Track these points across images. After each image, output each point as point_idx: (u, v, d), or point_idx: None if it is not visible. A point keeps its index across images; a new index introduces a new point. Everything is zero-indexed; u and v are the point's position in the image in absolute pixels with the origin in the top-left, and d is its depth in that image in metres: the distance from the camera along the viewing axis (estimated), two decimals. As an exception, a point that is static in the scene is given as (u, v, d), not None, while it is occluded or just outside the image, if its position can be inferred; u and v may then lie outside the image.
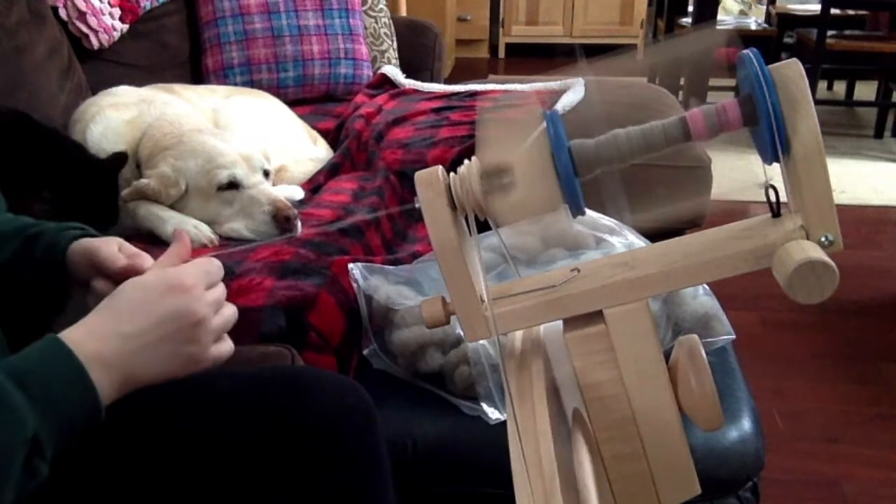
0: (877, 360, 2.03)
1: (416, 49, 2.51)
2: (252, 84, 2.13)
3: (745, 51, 0.64)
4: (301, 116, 1.93)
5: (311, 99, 2.22)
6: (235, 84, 2.12)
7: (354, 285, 1.20)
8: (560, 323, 0.70)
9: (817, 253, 0.61)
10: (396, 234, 1.51)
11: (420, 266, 1.26)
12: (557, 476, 0.58)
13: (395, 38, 2.45)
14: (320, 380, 0.82)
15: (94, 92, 1.65)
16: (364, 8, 2.36)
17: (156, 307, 0.67)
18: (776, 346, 2.10)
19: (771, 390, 1.89)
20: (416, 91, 2.19)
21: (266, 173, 1.43)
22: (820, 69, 3.53)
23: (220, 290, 0.73)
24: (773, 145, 0.62)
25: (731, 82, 3.95)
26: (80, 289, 0.82)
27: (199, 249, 1.31)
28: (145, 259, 0.78)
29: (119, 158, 1.35)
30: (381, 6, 2.42)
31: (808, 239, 0.64)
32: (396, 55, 2.44)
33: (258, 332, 1.10)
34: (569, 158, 0.64)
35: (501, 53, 5.50)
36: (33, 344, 0.63)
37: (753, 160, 0.65)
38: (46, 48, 1.64)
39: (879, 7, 3.93)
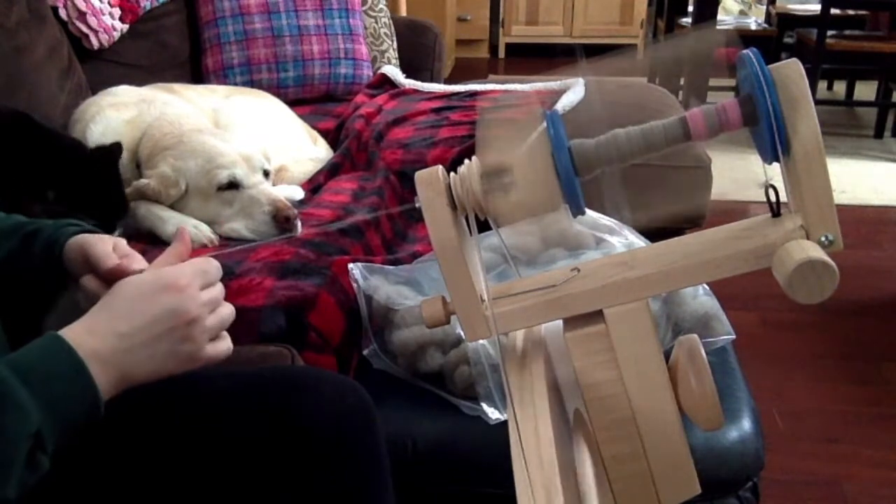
0: (877, 360, 2.03)
1: (416, 49, 2.51)
2: (252, 84, 2.13)
3: (745, 51, 0.64)
4: (301, 116, 1.93)
5: (311, 99, 2.22)
6: (235, 84, 2.12)
7: (354, 285, 1.20)
8: (560, 323, 0.71)
9: (817, 253, 0.61)
10: (396, 234, 1.51)
11: (420, 266, 1.26)
12: (558, 476, 0.58)
13: (395, 38, 2.45)
14: (320, 380, 0.82)
15: (94, 92, 1.65)
16: (364, 8, 2.36)
17: (150, 306, 0.68)
18: (776, 346, 2.10)
19: (771, 390, 1.89)
20: (416, 91, 2.19)
21: (266, 173, 1.43)
22: (820, 69, 3.53)
23: (217, 290, 0.74)
24: (773, 145, 0.62)
25: (731, 82, 3.95)
26: (72, 285, 0.82)
27: (199, 249, 1.31)
28: (136, 260, 0.79)
29: (113, 150, 1.34)
30: (381, 6, 2.42)
31: (808, 239, 0.64)
32: (396, 55, 2.44)
33: (258, 332, 1.10)
34: (569, 158, 0.64)
35: (501, 53, 5.50)
36: (34, 341, 0.64)
37: (753, 160, 0.64)
38: (46, 48, 1.64)
39: (879, 7, 3.93)
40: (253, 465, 0.77)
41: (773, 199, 0.66)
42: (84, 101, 1.59)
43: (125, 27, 1.92)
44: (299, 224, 1.36)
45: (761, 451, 1.08)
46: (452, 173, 0.67)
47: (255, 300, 1.13)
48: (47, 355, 0.63)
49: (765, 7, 4.48)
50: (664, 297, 1.15)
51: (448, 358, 1.10)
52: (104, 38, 1.84)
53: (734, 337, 1.15)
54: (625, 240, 1.25)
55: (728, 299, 1.22)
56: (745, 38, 4.08)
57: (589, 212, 1.25)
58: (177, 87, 1.76)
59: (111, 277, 0.75)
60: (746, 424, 1.08)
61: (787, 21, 4.09)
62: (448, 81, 2.38)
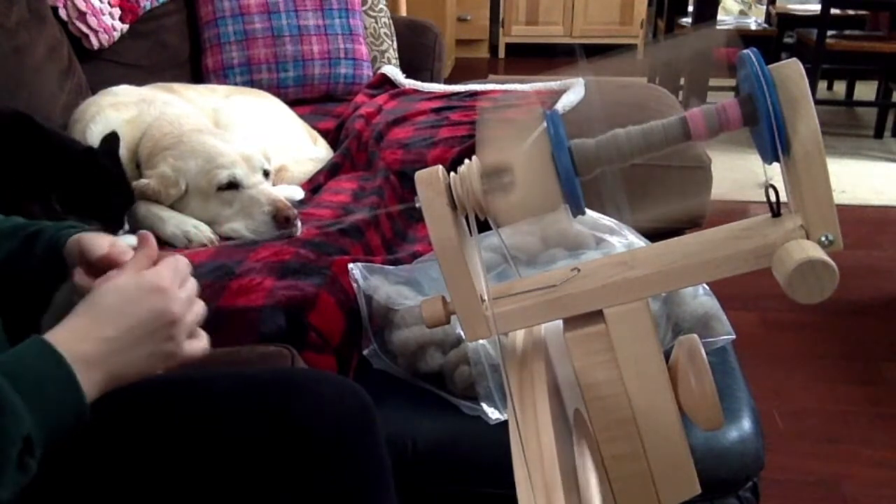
0: (877, 360, 2.03)
1: (416, 49, 2.51)
2: (252, 84, 2.13)
3: (745, 51, 0.64)
4: (301, 116, 1.93)
5: (311, 99, 2.22)
6: (235, 84, 2.12)
7: (354, 285, 1.20)
8: (560, 323, 0.71)
9: (817, 253, 0.61)
10: (396, 234, 1.51)
11: (420, 266, 1.26)
12: (559, 476, 0.58)
13: (395, 38, 2.45)
14: (320, 381, 0.82)
15: (94, 92, 1.65)
16: (364, 8, 2.36)
17: (135, 309, 0.69)
18: (776, 346, 2.10)
19: (771, 390, 1.89)
20: (416, 91, 2.19)
21: (266, 173, 1.43)
22: (820, 69, 3.53)
23: (191, 286, 0.75)
24: (773, 145, 0.62)
25: (731, 82, 3.95)
26: (69, 282, 0.82)
27: (198, 249, 1.31)
28: (129, 255, 0.79)
29: (109, 139, 1.34)
30: (381, 6, 2.42)
31: (808, 239, 0.64)
32: (396, 55, 2.44)
33: (258, 332, 1.10)
34: (569, 158, 0.64)
35: (501, 53, 5.50)
36: (20, 345, 0.64)
37: (753, 160, 0.64)
38: (46, 48, 1.64)
39: (879, 7, 3.92)
40: (253, 465, 0.77)
41: (773, 199, 0.66)
42: (84, 101, 1.59)
43: (125, 27, 1.92)
44: (299, 224, 1.36)
45: (761, 451, 1.08)
46: (452, 173, 0.67)
47: (255, 300, 1.13)
48: (35, 359, 0.63)
49: (765, 7, 4.48)
50: (664, 297, 1.15)
51: (448, 358, 1.10)
52: (104, 38, 1.84)
53: (734, 337, 1.15)
54: (625, 240, 1.25)
55: (728, 299, 1.22)
56: (745, 38, 4.08)
57: (589, 212, 1.25)
58: (177, 87, 1.76)
59: (101, 265, 0.77)
60: (746, 424, 1.08)
61: (787, 21, 4.09)
62: (448, 81, 2.38)
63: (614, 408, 0.69)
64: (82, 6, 1.78)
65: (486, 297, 0.69)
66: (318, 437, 0.77)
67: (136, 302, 0.69)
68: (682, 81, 3.88)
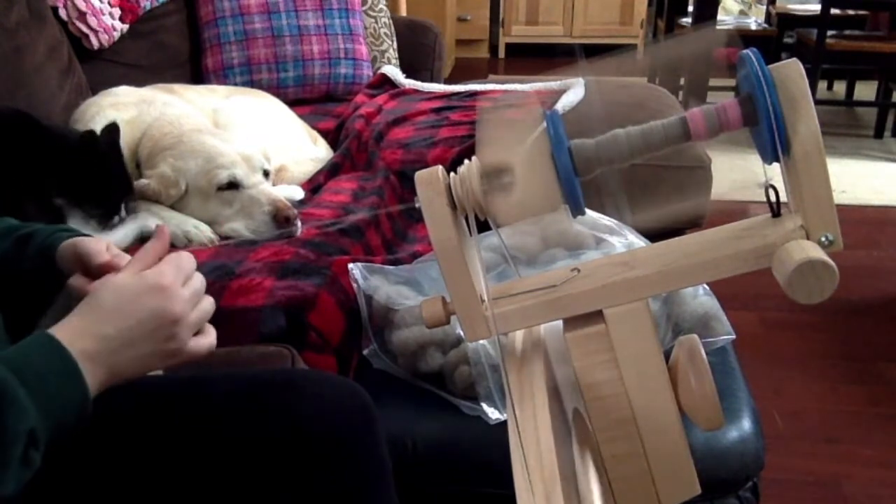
0: (877, 360, 2.03)
1: (416, 49, 2.51)
2: (252, 84, 2.13)
3: (745, 51, 0.64)
4: (301, 116, 1.93)
5: (311, 99, 2.22)
6: (235, 84, 2.12)
7: (354, 285, 1.20)
8: (560, 323, 0.70)
9: (817, 253, 0.61)
10: (396, 234, 1.51)
11: (420, 266, 1.26)
12: (558, 476, 0.58)
13: (395, 38, 2.45)
14: (320, 381, 0.82)
15: (94, 92, 1.65)
16: (364, 8, 2.36)
17: (136, 309, 0.69)
18: (776, 346, 2.10)
19: (771, 390, 1.89)
20: (416, 91, 2.19)
21: (266, 173, 1.43)
22: (820, 69, 3.53)
23: (197, 283, 0.75)
24: (773, 145, 0.62)
25: (731, 82, 3.95)
26: (66, 286, 0.83)
27: (196, 249, 1.31)
28: (125, 260, 0.80)
29: (110, 129, 1.34)
30: (381, 6, 2.42)
31: (808, 239, 0.64)
32: (396, 55, 2.44)
33: (258, 332, 1.10)
34: (569, 158, 0.63)
35: (501, 53, 5.50)
36: (25, 339, 0.65)
37: (753, 160, 0.64)
38: (46, 48, 1.64)
39: (879, 7, 3.93)
40: (253, 465, 0.77)
41: (773, 199, 0.66)
42: (84, 101, 1.59)
43: (125, 27, 1.92)
44: (299, 224, 1.36)
45: (761, 451, 1.08)
46: (452, 173, 0.67)
47: (255, 300, 1.13)
48: (41, 354, 0.64)
49: (765, 7, 4.48)
50: (664, 297, 1.15)
51: (448, 358, 1.10)
52: (104, 38, 1.84)
53: (734, 337, 1.15)
54: (625, 240, 1.25)
55: (728, 299, 1.22)
56: (745, 38, 4.08)
57: (589, 212, 1.25)
58: (177, 87, 1.76)
59: (101, 271, 0.78)
60: (746, 424, 1.08)
61: (787, 21, 4.09)
62: (448, 81, 2.38)
63: (614, 408, 0.69)
64: (82, 6, 1.77)
65: (486, 298, 0.69)
66: (319, 437, 0.77)
67: (136, 301, 0.69)
68: (682, 81, 3.88)
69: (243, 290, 1.15)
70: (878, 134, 3.78)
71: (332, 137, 1.94)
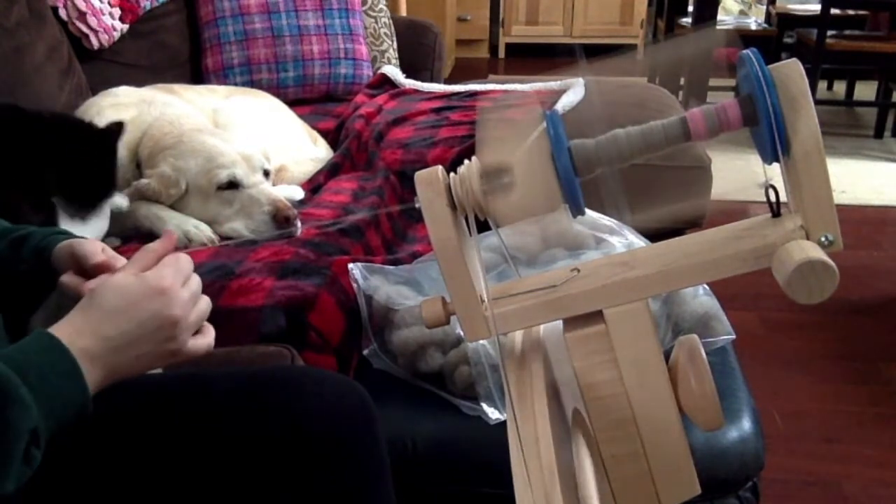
0: (877, 360, 2.03)
1: (416, 49, 2.51)
2: (252, 84, 2.14)
3: (745, 51, 0.64)
4: (301, 116, 1.93)
5: (311, 99, 2.22)
6: (235, 84, 2.12)
7: (354, 285, 1.20)
8: (560, 323, 0.70)
9: (817, 253, 0.61)
10: (396, 234, 1.51)
11: (420, 266, 1.26)
12: (557, 476, 0.58)
13: (395, 38, 2.45)
14: (320, 380, 0.82)
15: (94, 92, 1.66)
16: (364, 8, 2.36)
17: (136, 311, 0.69)
18: (776, 346, 2.10)
19: (771, 390, 1.89)
20: (416, 91, 2.19)
21: (266, 173, 1.43)
22: (820, 69, 3.53)
23: (195, 284, 0.75)
24: (773, 145, 0.62)
25: (731, 82, 3.95)
26: (58, 288, 0.83)
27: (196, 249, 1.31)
28: (122, 262, 0.80)
29: (114, 126, 1.33)
30: (381, 6, 2.42)
31: (808, 239, 0.64)
32: (396, 55, 2.44)
33: (258, 332, 1.10)
34: (569, 158, 0.63)
35: (501, 53, 5.50)
36: (26, 338, 0.65)
37: (753, 160, 0.64)
38: (46, 48, 1.64)
39: (879, 7, 3.93)
40: (253, 464, 0.77)
41: (773, 199, 0.66)
42: (84, 101, 1.59)
43: (125, 27, 1.92)
44: (299, 224, 1.36)
45: (761, 451, 1.08)
46: (452, 173, 0.67)
47: (255, 300, 1.13)
48: (41, 353, 0.64)
49: (765, 7, 4.48)
50: (664, 297, 1.15)
51: (448, 358, 1.10)
52: (104, 38, 1.85)
53: (734, 337, 1.15)
54: (625, 240, 1.25)
55: (728, 299, 1.22)
56: (745, 38, 4.08)
57: (589, 212, 1.25)
58: (177, 87, 1.76)
59: (96, 272, 0.78)
60: (746, 424, 1.08)
61: (787, 21, 4.09)
62: (448, 81, 2.38)
63: (614, 408, 0.69)
64: (82, 6, 1.78)
65: (485, 298, 0.69)
66: (318, 435, 0.77)
67: (136, 303, 0.70)
68: (682, 81, 3.88)
69: (243, 290, 1.15)
70: (878, 134, 3.78)
71: (332, 137, 1.94)
